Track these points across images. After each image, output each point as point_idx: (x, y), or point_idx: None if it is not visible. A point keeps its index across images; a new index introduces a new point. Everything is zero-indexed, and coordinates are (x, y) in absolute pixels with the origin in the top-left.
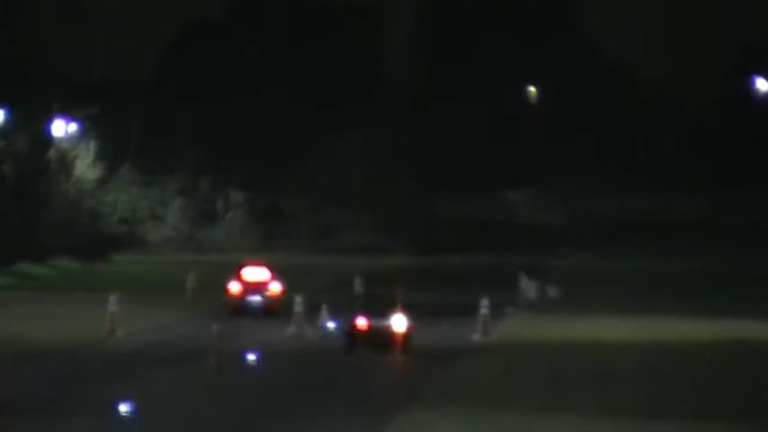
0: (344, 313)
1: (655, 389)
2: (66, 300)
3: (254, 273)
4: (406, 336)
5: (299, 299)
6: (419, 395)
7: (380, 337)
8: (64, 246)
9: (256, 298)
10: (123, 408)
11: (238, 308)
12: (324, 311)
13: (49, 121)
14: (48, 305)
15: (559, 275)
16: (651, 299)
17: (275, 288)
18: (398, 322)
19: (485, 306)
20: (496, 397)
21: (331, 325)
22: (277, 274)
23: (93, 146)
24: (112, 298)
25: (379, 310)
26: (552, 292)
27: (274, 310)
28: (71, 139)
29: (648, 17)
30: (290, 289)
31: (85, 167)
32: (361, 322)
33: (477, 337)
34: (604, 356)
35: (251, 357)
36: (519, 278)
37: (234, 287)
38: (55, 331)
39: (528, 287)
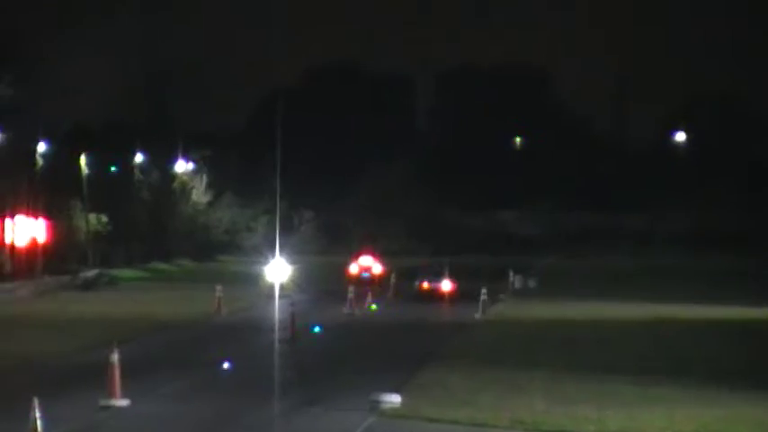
0: (417, 277)
1: (605, 352)
2: (186, 288)
3: (365, 259)
4: (452, 293)
5: (350, 288)
6: (436, 356)
7: (435, 293)
8: (184, 250)
9: (366, 274)
10: (226, 364)
11: (355, 281)
12: (369, 297)
13: (174, 161)
14: (173, 292)
15: (538, 272)
16: (603, 288)
17: (377, 269)
18: (446, 284)
19: (483, 293)
20: (490, 357)
21: (373, 306)
22: (380, 259)
23: (204, 179)
24: (219, 287)
25: (435, 277)
26: (532, 283)
27: (376, 282)
28: (189, 174)
29: (607, 85)
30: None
31: (199, 195)
32: (425, 284)
33: (478, 315)
34: (568, 329)
35: (316, 329)
36: (508, 273)
37: (353, 268)
38: (177, 310)
39: (515, 280)
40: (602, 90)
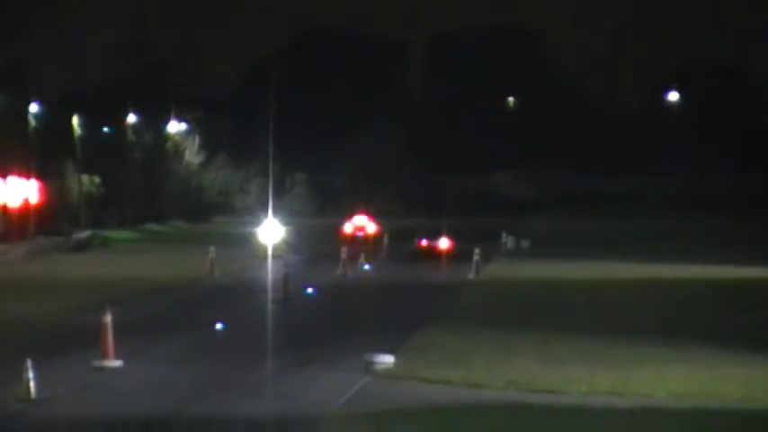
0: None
1: (594, 313)
2: (180, 249)
3: (360, 219)
4: (450, 250)
5: (344, 248)
6: (429, 317)
7: (434, 250)
8: (178, 211)
9: (360, 233)
10: (219, 325)
11: (350, 240)
12: (361, 257)
13: (167, 122)
14: (166, 253)
15: (530, 233)
16: (595, 249)
17: (371, 228)
18: (444, 242)
19: (477, 254)
20: (484, 319)
21: (366, 267)
22: (375, 219)
23: (197, 139)
24: (212, 248)
25: (434, 235)
26: (524, 244)
27: (370, 241)
28: (182, 134)
29: (597, 44)
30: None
31: (192, 155)
32: (424, 242)
33: (471, 276)
34: (559, 290)
35: (309, 290)
36: (501, 234)
37: (347, 228)
38: (171, 272)
39: (507, 241)
40: (597, 52)
